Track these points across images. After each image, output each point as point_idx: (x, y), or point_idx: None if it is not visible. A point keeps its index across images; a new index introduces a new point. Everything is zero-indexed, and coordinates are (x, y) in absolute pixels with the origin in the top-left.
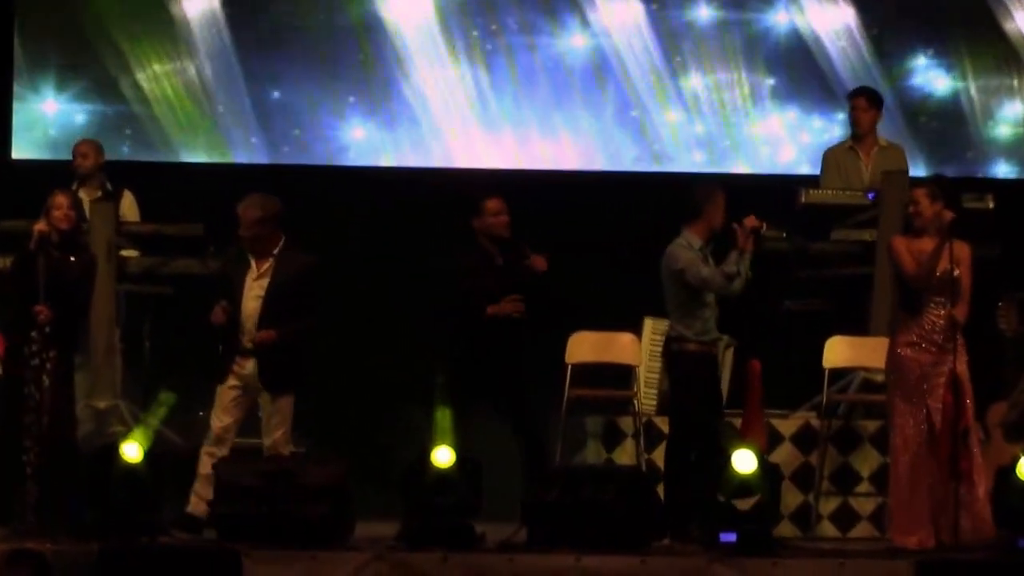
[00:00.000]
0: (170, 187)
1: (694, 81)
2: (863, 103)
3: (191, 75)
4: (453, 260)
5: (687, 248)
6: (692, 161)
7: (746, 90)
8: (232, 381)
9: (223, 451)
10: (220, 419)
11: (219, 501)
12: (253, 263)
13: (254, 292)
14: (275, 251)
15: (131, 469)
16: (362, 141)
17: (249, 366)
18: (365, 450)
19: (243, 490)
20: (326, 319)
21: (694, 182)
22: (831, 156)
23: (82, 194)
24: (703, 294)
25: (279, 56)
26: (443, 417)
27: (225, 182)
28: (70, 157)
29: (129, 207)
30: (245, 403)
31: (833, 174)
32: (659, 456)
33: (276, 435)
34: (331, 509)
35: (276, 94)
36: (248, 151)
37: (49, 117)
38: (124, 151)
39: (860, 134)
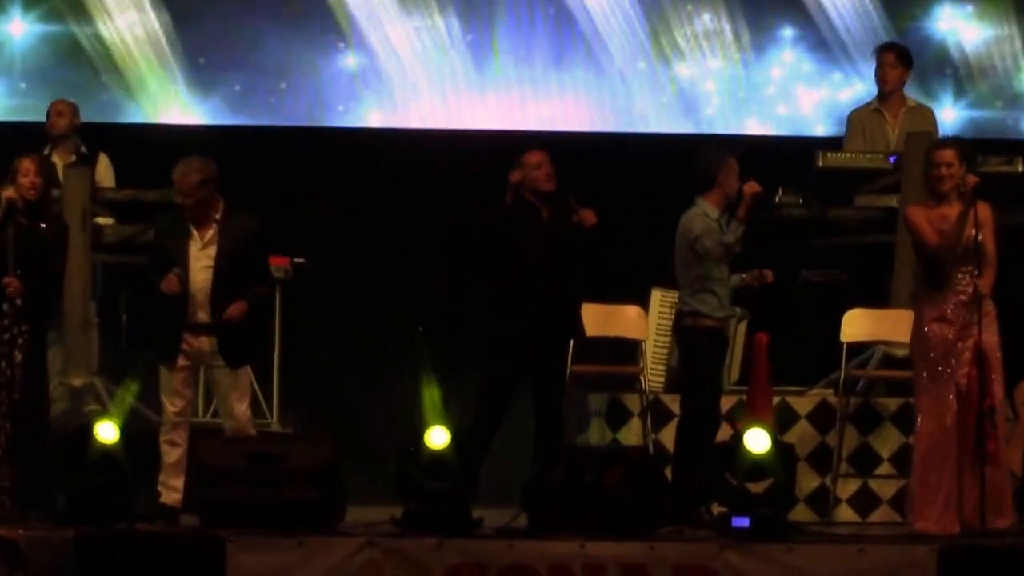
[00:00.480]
0: (148, 150)
1: (701, 35)
2: (891, 59)
3: (165, 27)
4: (494, 216)
5: (704, 217)
6: (701, 121)
7: (757, 43)
8: (182, 360)
9: (182, 436)
10: (173, 403)
11: (201, 484)
12: (195, 232)
13: (202, 263)
14: (217, 216)
15: (106, 451)
16: (349, 101)
17: (200, 343)
18: (356, 430)
19: (227, 473)
20: (312, 289)
21: (699, 148)
22: (855, 118)
23: (55, 158)
24: (718, 267)
25: (262, 9)
26: (431, 393)
27: (206, 144)
28: (42, 119)
29: (105, 172)
30: (194, 382)
31: (857, 137)
32: (667, 436)
33: (239, 411)
34: (320, 492)
35: (260, 48)
36: (230, 106)
37: (15, 39)
38: (103, 100)
39: (887, 92)
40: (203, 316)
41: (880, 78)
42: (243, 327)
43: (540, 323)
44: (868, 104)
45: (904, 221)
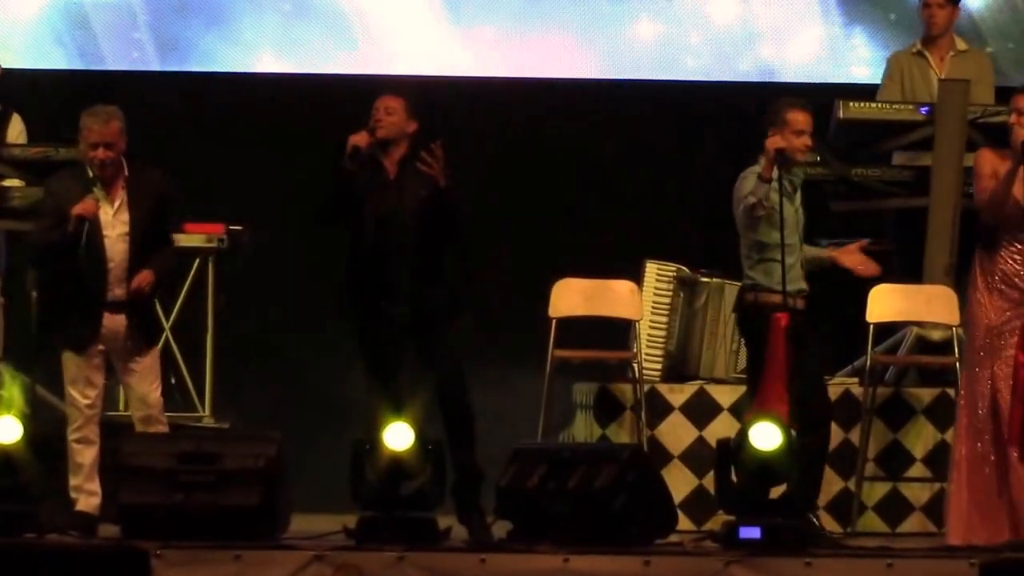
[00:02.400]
0: (64, 101)
1: None
2: None
3: None
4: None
5: (755, 176)
6: (703, 66)
7: None
8: (96, 345)
9: (95, 432)
10: (85, 394)
11: (123, 489)
12: (102, 193)
13: (117, 231)
14: (125, 174)
15: (7, 451)
16: (291, 45)
17: (116, 322)
18: (303, 425)
19: (152, 475)
20: (251, 260)
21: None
22: (894, 62)
23: None
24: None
25: None
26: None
27: (130, 93)
28: None
29: (18, 135)
30: (106, 368)
31: (893, 85)
32: (664, 432)
33: (155, 397)
34: (261, 498)
35: None
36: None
37: None
38: None
39: (934, 35)
40: (120, 292)
41: (927, 20)
42: (151, 300)
43: (391, 301)
44: (911, 46)
45: (974, 161)
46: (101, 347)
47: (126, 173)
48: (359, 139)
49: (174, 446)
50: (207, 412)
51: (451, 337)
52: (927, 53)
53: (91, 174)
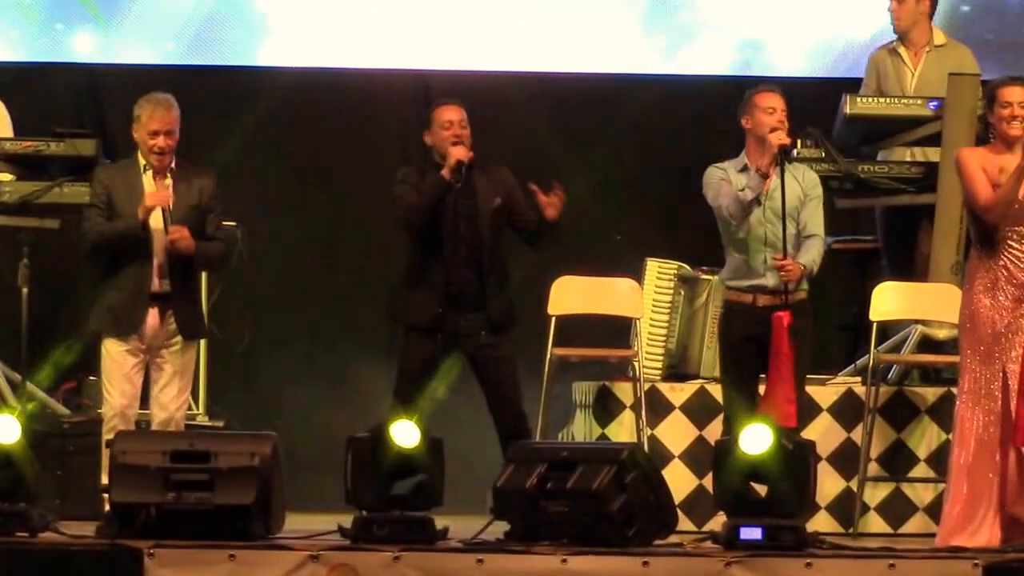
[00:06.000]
0: (57, 92)
1: None
2: None
3: None
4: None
5: (721, 168)
6: (706, 63)
7: None
8: (135, 341)
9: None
10: (123, 391)
11: (115, 487)
12: (150, 183)
13: (160, 223)
14: (172, 166)
15: (5, 451)
16: (282, 35)
17: (154, 316)
18: (298, 423)
19: (145, 473)
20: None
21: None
22: (872, 60)
23: None
24: (734, 227)
25: None
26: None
27: (124, 86)
28: None
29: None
30: (143, 371)
31: (870, 82)
32: (664, 432)
33: (181, 400)
34: (255, 497)
35: None
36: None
37: None
38: None
39: (897, 30)
40: (158, 285)
41: (890, 15)
42: (194, 296)
43: (453, 307)
44: (889, 43)
45: (955, 164)
46: (142, 345)
47: (174, 167)
48: (461, 154)
49: (167, 444)
50: (201, 410)
51: (509, 348)
52: (900, 49)
53: (142, 164)
